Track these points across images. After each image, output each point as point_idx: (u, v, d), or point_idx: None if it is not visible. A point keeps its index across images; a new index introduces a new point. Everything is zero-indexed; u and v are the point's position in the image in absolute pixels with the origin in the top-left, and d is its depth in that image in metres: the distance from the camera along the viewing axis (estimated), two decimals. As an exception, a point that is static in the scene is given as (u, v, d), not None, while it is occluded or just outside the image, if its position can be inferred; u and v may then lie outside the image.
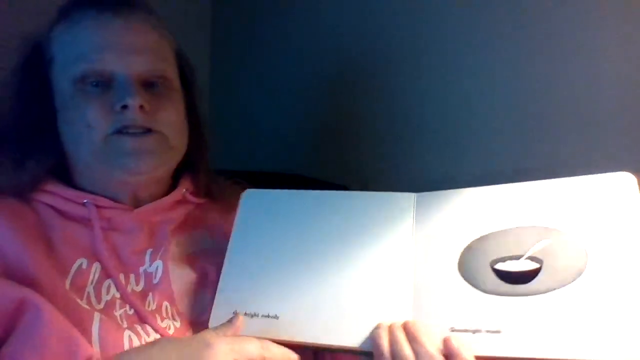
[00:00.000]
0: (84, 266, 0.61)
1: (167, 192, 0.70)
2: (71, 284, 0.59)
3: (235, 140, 1.30)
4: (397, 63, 0.97)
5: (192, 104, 0.71)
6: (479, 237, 0.57)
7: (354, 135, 1.06)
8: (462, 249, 0.57)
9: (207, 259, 0.68)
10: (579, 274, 0.50)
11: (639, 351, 0.45)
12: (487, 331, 0.51)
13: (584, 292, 0.49)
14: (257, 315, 0.59)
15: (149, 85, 0.63)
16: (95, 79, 0.61)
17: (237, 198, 0.67)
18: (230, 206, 0.68)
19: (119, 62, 0.61)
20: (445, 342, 0.51)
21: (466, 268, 0.55)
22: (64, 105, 0.63)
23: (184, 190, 0.71)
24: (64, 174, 0.65)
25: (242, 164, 1.15)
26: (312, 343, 0.56)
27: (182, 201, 0.71)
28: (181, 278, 0.66)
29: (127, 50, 0.62)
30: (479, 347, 0.51)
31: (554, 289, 0.51)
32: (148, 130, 0.62)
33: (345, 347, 0.55)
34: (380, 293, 0.57)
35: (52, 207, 0.63)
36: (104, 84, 0.61)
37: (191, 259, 0.68)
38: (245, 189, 0.68)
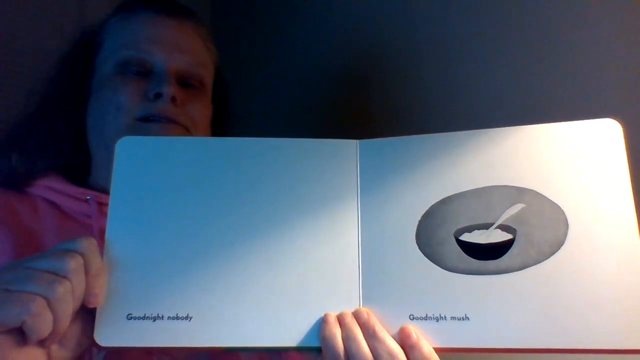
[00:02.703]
0: None
1: None
2: None
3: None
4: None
5: (219, 120, 0.72)
6: (439, 200, 0.46)
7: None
8: (419, 216, 0.46)
9: None
10: (559, 246, 0.43)
11: (629, 336, 0.40)
12: (453, 318, 0.43)
13: (564, 269, 0.42)
14: (162, 318, 0.45)
15: (184, 83, 0.65)
16: (136, 67, 0.63)
17: None
18: None
19: (161, 56, 0.63)
20: (402, 333, 0.43)
21: (425, 240, 0.45)
22: (100, 86, 0.64)
23: None
24: (70, 175, 0.64)
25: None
26: (242, 347, 0.44)
27: None
28: None
29: (171, 47, 0.64)
30: (443, 338, 0.43)
31: (530, 266, 0.43)
32: (174, 123, 0.62)
33: (285, 346, 0.45)
34: (320, 272, 0.46)
35: (52, 203, 0.61)
36: (143, 73, 0.63)
37: None
38: None
